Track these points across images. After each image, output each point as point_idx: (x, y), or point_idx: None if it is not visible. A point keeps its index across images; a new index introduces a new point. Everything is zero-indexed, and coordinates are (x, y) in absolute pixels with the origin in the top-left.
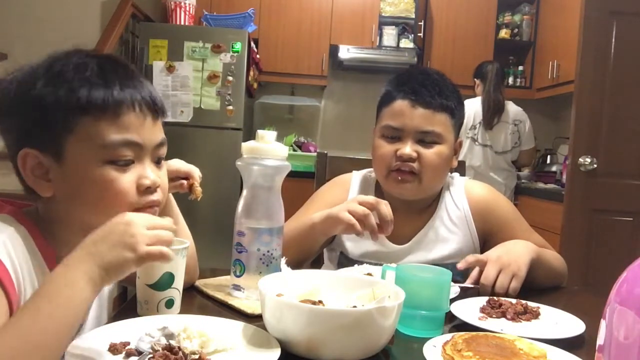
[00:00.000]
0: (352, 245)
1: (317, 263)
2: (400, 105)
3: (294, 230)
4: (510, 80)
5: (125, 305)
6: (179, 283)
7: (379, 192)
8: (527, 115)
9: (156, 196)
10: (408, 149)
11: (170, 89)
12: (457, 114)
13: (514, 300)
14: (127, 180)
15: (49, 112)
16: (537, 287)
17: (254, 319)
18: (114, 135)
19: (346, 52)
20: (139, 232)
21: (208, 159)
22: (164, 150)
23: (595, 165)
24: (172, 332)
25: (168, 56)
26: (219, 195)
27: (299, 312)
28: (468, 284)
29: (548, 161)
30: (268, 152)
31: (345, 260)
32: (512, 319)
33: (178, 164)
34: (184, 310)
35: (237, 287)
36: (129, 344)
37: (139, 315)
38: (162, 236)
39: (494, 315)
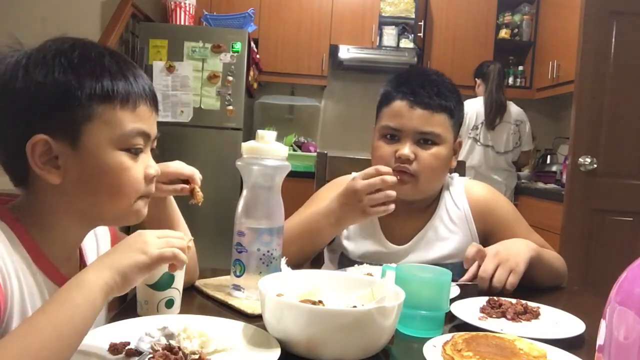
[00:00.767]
0: (352, 245)
1: (317, 263)
2: (398, 105)
3: (297, 226)
4: (510, 80)
5: (125, 305)
6: (179, 283)
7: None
8: (527, 115)
9: (154, 186)
10: (406, 150)
11: (170, 89)
12: (456, 114)
13: (514, 300)
14: (138, 168)
15: (69, 99)
16: (537, 286)
17: (254, 319)
18: (132, 124)
19: (346, 52)
20: (150, 238)
21: (208, 159)
22: (155, 143)
23: (595, 165)
24: (172, 332)
25: (168, 56)
26: (219, 195)
27: (299, 312)
28: (466, 279)
29: (548, 161)
30: (268, 152)
31: (345, 261)
32: (512, 319)
33: (179, 166)
34: (184, 310)
35: (237, 287)
36: (129, 344)
37: (139, 315)
38: (173, 242)
39: (494, 315)
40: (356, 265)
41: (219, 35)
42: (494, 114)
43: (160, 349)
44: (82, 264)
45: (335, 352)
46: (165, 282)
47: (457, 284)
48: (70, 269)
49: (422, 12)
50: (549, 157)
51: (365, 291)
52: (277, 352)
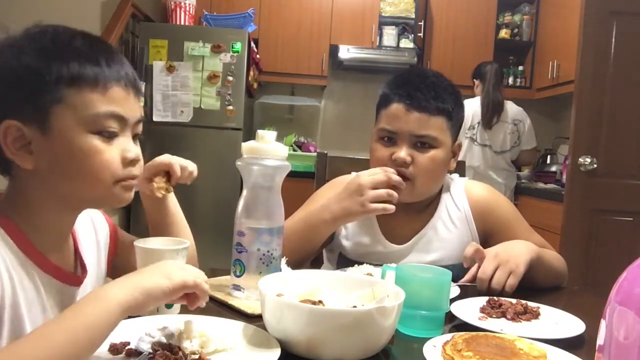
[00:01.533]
0: (352, 245)
1: (317, 263)
2: (396, 108)
3: (297, 222)
4: (510, 80)
5: None
6: None
7: None
8: (527, 115)
9: (138, 170)
10: (403, 153)
11: (170, 89)
12: (454, 117)
13: (514, 300)
14: (112, 151)
15: (38, 83)
16: (537, 287)
17: (254, 319)
18: (102, 107)
19: (346, 52)
20: (174, 268)
21: (208, 159)
22: (141, 127)
23: (595, 165)
24: (172, 332)
25: (168, 56)
26: (219, 195)
27: (299, 312)
28: (465, 280)
29: (548, 161)
30: (268, 152)
31: (344, 261)
32: (512, 319)
33: (161, 158)
34: (184, 310)
35: (237, 287)
36: (129, 344)
37: (139, 315)
38: (196, 273)
39: (494, 315)
40: (356, 265)
41: (219, 35)
42: (491, 114)
43: (160, 349)
44: (78, 256)
45: (335, 352)
46: None
47: (457, 285)
48: (64, 260)
49: (422, 12)
50: (549, 157)
51: (365, 291)
52: (277, 352)
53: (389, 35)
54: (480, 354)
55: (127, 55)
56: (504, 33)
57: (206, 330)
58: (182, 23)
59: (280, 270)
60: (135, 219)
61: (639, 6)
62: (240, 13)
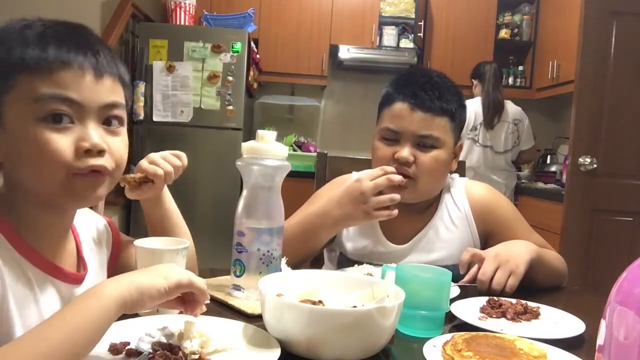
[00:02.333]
0: (351, 244)
1: (317, 263)
2: (399, 108)
3: (296, 225)
4: (510, 80)
5: None
6: None
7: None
8: (527, 115)
9: (101, 161)
10: (405, 152)
11: (170, 89)
12: (457, 117)
13: (514, 300)
14: (62, 140)
15: None
16: (537, 287)
17: (254, 319)
18: (46, 89)
19: (346, 52)
20: (174, 269)
21: (208, 159)
22: (117, 113)
23: (595, 165)
24: (172, 332)
25: (168, 56)
26: (219, 195)
27: (299, 312)
28: (466, 281)
29: (548, 161)
30: (268, 152)
31: (345, 261)
32: (512, 319)
33: (148, 168)
34: None
35: (237, 287)
36: (129, 344)
37: (139, 316)
38: (196, 277)
39: (494, 315)
40: (356, 265)
41: (219, 35)
42: (492, 114)
43: (160, 349)
44: (79, 255)
45: (335, 352)
46: None
47: (457, 286)
48: (64, 258)
49: (422, 12)
50: (549, 157)
51: (365, 291)
52: (277, 352)
53: (389, 35)
54: (480, 354)
55: (127, 55)
56: (504, 33)
57: (206, 330)
58: (182, 23)
59: (280, 270)
60: (135, 219)
61: (639, 6)
62: (240, 13)
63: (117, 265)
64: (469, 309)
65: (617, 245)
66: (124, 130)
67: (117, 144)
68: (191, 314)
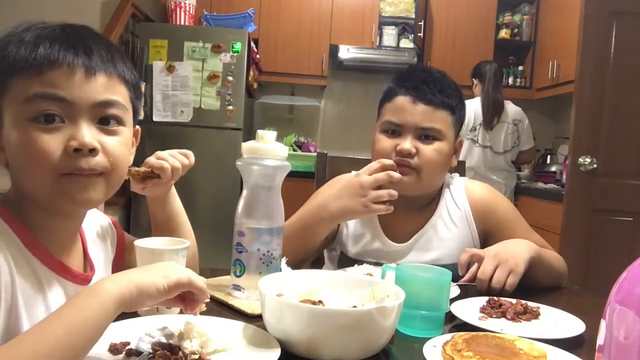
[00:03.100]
0: (353, 244)
1: (317, 263)
2: (401, 101)
3: (295, 222)
4: (510, 80)
5: None
6: None
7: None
8: (527, 115)
9: (92, 161)
10: (408, 144)
11: (170, 89)
12: (457, 112)
13: (514, 300)
14: (51, 140)
15: None
16: (537, 287)
17: (254, 319)
18: (34, 89)
19: (346, 52)
20: (174, 268)
21: (208, 159)
22: (113, 112)
23: (595, 165)
24: (172, 332)
25: (168, 56)
26: (219, 195)
27: (299, 312)
28: (466, 280)
29: (548, 161)
30: (268, 152)
31: (345, 260)
32: (512, 319)
33: (155, 163)
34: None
35: (237, 287)
36: (129, 344)
37: (139, 315)
38: (194, 275)
39: (494, 315)
40: (356, 265)
41: (219, 35)
42: (492, 114)
43: (160, 349)
44: (86, 255)
45: (335, 352)
46: None
47: (457, 285)
48: (73, 259)
49: (422, 12)
50: (549, 157)
51: (365, 291)
52: (277, 352)
53: (389, 35)
54: (480, 354)
55: (127, 55)
56: (504, 33)
57: (206, 330)
58: (182, 23)
59: (280, 270)
60: (135, 219)
61: (639, 6)
62: (240, 13)
63: (122, 265)
64: (469, 309)
65: (617, 245)
66: (124, 130)
67: (114, 144)
68: (191, 312)
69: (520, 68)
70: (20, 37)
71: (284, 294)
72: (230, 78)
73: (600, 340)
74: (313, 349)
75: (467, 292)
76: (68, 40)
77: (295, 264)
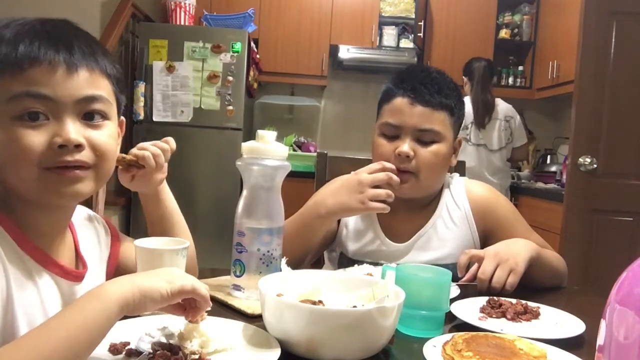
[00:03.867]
0: (353, 244)
1: (317, 263)
2: (399, 102)
3: (294, 219)
4: (510, 80)
5: None
6: None
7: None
8: (527, 115)
9: (78, 156)
10: (406, 147)
11: (170, 89)
12: (456, 113)
13: (514, 300)
14: (34, 137)
15: None
16: (537, 286)
17: (254, 319)
18: (18, 87)
19: (346, 52)
20: (177, 273)
21: (208, 159)
22: (97, 107)
23: (595, 165)
24: (172, 332)
25: (168, 56)
26: (219, 195)
27: (299, 312)
28: (466, 280)
29: (548, 161)
30: (268, 152)
31: (345, 260)
32: (512, 319)
33: (137, 152)
34: None
35: (237, 287)
36: (129, 344)
37: (139, 315)
38: (198, 282)
39: (494, 315)
40: (356, 265)
41: (219, 35)
42: (482, 113)
43: (160, 349)
44: (77, 252)
45: (335, 352)
46: None
47: (457, 285)
48: (63, 256)
49: (422, 12)
50: (549, 157)
51: (365, 291)
52: (277, 352)
53: (389, 35)
54: (480, 354)
55: (127, 55)
56: (504, 33)
57: (206, 330)
58: (182, 23)
59: (280, 270)
60: (135, 219)
61: (639, 6)
62: (240, 13)
63: (116, 264)
64: (469, 309)
65: (617, 245)
66: (109, 124)
67: (100, 138)
68: (192, 320)
69: (520, 68)
70: (0, 36)
71: (284, 294)
72: (230, 78)
73: (600, 340)
74: (313, 349)
75: (467, 292)
76: (48, 36)
77: (295, 263)
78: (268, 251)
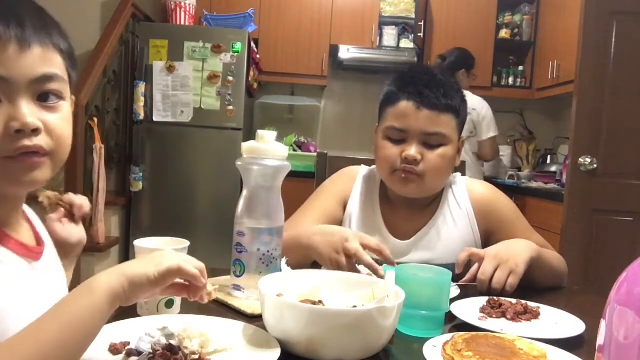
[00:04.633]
0: None
1: (317, 264)
2: (405, 106)
3: (289, 239)
4: (511, 80)
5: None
6: None
7: (384, 190)
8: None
9: (35, 141)
10: (413, 150)
11: (170, 89)
12: (461, 114)
13: (514, 300)
14: None
15: None
16: (537, 286)
17: (254, 319)
18: None
19: (346, 52)
20: (167, 255)
21: (208, 159)
22: (53, 87)
23: (595, 165)
24: (172, 332)
25: (168, 56)
26: (219, 195)
27: (299, 312)
28: (466, 280)
29: (548, 161)
30: (268, 152)
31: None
32: (512, 319)
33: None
34: (184, 310)
35: (237, 287)
36: (129, 344)
37: (139, 315)
38: (185, 262)
39: (494, 315)
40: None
41: (219, 35)
42: None
43: (160, 349)
44: (32, 229)
45: (335, 352)
46: None
47: (457, 285)
48: (25, 237)
49: (422, 12)
50: (549, 157)
51: (365, 291)
52: (277, 352)
53: (389, 35)
54: (480, 354)
55: (127, 55)
56: (504, 33)
57: (206, 330)
58: (182, 23)
59: (280, 270)
60: (135, 219)
61: (639, 6)
62: (240, 13)
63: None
64: (469, 309)
65: (617, 245)
66: (64, 105)
67: (56, 121)
68: (194, 299)
69: (521, 68)
70: None
71: (284, 294)
72: (231, 78)
73: (600, 340)
74: (313, 349)
75: (467, 292)
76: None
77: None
78: (268, 251)
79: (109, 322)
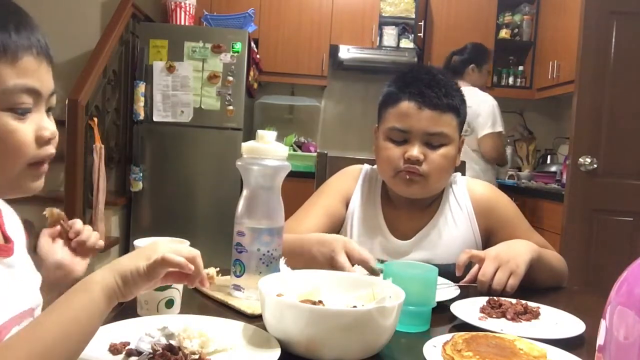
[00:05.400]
0: (357, 241)
1: None
2: (406, 106)
3: (292, 244)
4: (511, 80)
5: (125, 305)
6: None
7: (385, 190)
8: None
9: (52, 149)
10: (416, 151)
11: (170, 89)
12: (462, 113)
13: (514, 300)
14: (26, 130)
15: None
16: (537, 287)
17: (254, 319)
18: (14, 80)
19: (346, 52)
20: (159, 247)
21: (208, 159)
22: (54, 100)
23: (595, 165)
24: (172, 332)
25: (168, 56)
26: (219, 195)
27: (299, 312)
28: (466, 281)
29: (548, 161)
30: (268, 152)
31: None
32: (512, 319)
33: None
34: (184, 310)
35: (237, 287)
36: (129, 344)
37: (139, 315)
38: (169, 252)
39: (494, 315)
40: (356, 265)
41: (219, 35)
42: None
43: (160, 349)
44: (3, 233)
45: (335, 352)
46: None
47: (458, 286)
48: None
49: (422, 12)
50: (549, 157)
51: (365, 291)
52: (277, 352)
53: (389, 35)
54: (480, 354)
55: (127, 55)
56: (504, 33)
57: (206, 330)
58: (182, 23)
59: (280, 270)
60: (135, 219)
61: (639, 6)
62: (240, 13)
63: None
64: (469, 309)
65: (617, 245)
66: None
67: (55, 129)
68: (193, 286)
69: (521, 68)
70: None
71: (284, 294)
72: (231, 78)
73: (600, 340)
74: (313, 349)
75: (467, 292)
76: (28, 23)
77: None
78: (268, 251)
79: (109, 322)
